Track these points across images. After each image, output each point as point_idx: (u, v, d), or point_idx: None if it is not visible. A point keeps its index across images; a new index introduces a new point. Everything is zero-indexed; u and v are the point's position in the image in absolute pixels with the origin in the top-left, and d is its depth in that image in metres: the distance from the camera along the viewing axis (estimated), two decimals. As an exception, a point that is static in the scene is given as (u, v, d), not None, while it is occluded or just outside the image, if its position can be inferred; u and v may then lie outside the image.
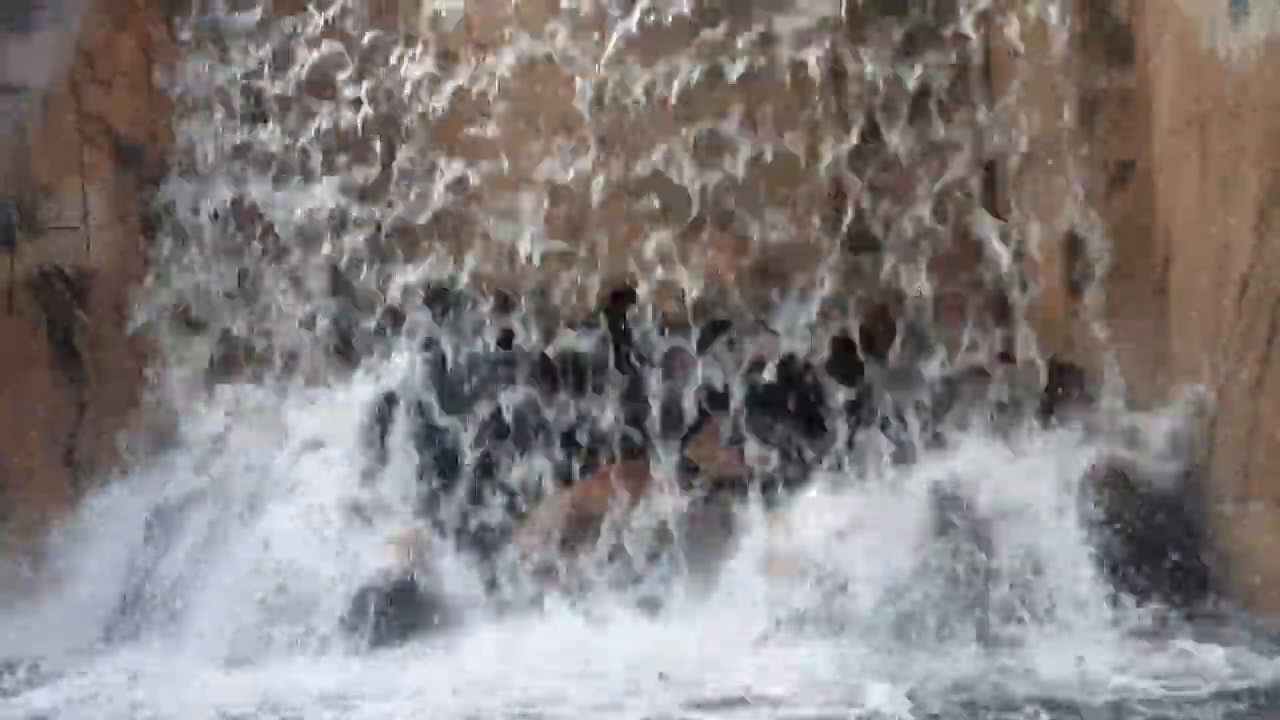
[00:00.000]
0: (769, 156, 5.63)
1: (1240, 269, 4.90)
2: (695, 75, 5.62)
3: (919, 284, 5.59)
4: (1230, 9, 4.90)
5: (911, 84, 5.58)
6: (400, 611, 5.35)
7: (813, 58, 5.55)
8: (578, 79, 5.71)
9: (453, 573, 5.58)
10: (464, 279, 5.95)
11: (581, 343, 5.84)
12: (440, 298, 6.02)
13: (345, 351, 6.15)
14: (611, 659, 4.95)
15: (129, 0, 6.38)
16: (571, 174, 5.75)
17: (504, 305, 5.95)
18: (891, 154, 5.59)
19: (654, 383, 5.76)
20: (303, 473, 5.77)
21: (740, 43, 5.60)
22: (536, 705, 4.53)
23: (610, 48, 5.66)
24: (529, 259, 5.82)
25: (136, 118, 6.39)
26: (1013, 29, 5.49)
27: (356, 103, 6.08)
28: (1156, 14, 5.22)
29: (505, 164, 5.85)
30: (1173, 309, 5.23)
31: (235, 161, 6.29)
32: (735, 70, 5.60)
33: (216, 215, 6.30)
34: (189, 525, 5.76)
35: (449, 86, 5.92)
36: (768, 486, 5.60)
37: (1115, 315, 5.41)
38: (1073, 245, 5.48)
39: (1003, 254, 5.55)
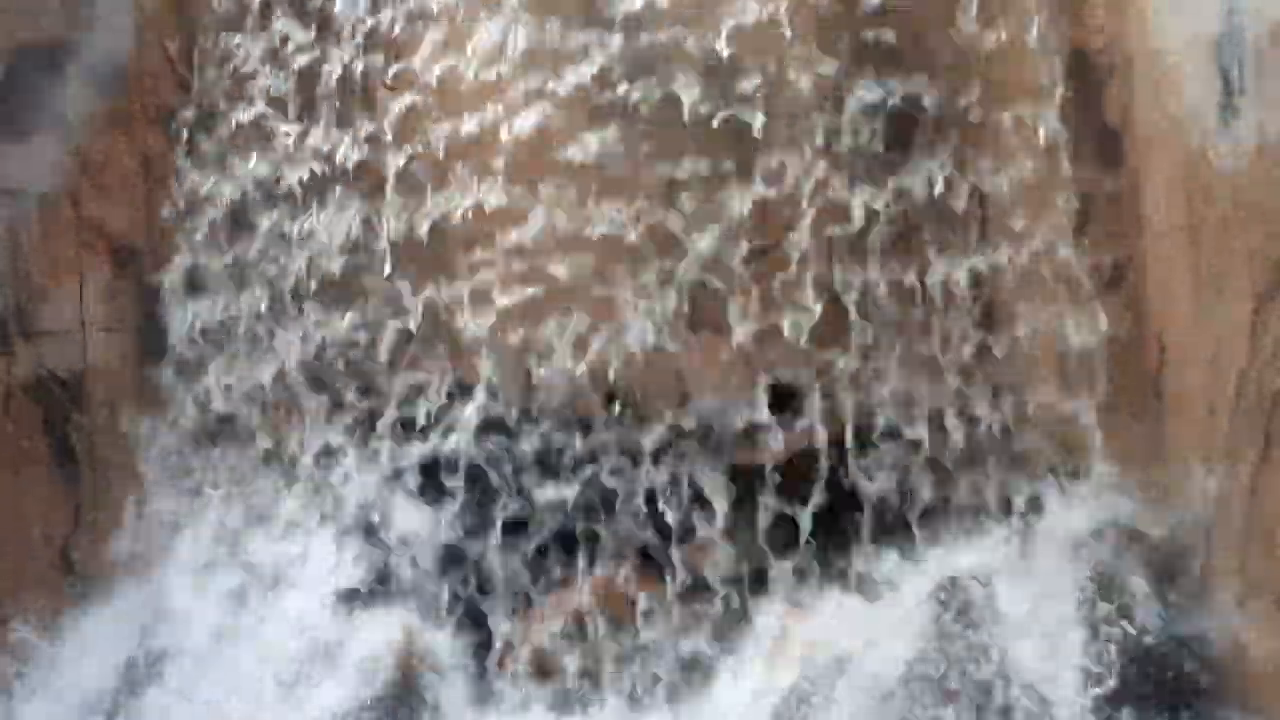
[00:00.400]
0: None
1: (1235, 371, 4.89)
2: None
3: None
4: (1220, 113, 4.92)
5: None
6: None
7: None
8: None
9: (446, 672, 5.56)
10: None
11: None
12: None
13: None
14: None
15: (127, 107, 6.42)
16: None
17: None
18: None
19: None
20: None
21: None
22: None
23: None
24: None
25: (134, 222, 6.42)
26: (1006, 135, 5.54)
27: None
28: (1146, 117, 5.24)
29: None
30: (1169, 411, 5.22)
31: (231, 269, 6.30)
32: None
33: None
34: (186, 629, 5.78)
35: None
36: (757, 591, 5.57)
37: (1111, 417, 5.38)
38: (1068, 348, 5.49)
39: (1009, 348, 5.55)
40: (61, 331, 6.35)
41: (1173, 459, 5.18)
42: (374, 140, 5.95)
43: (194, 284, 6.37)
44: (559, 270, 5.59)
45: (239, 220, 6.26)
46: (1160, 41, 5.14)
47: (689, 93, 5.46)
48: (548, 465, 5.71)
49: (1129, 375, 5.35)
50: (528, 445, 5.70)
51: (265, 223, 6.18)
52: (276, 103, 6.18)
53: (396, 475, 5.86)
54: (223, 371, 6.26)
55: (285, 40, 6.17)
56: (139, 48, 6.47)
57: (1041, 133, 5.42)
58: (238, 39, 6.30)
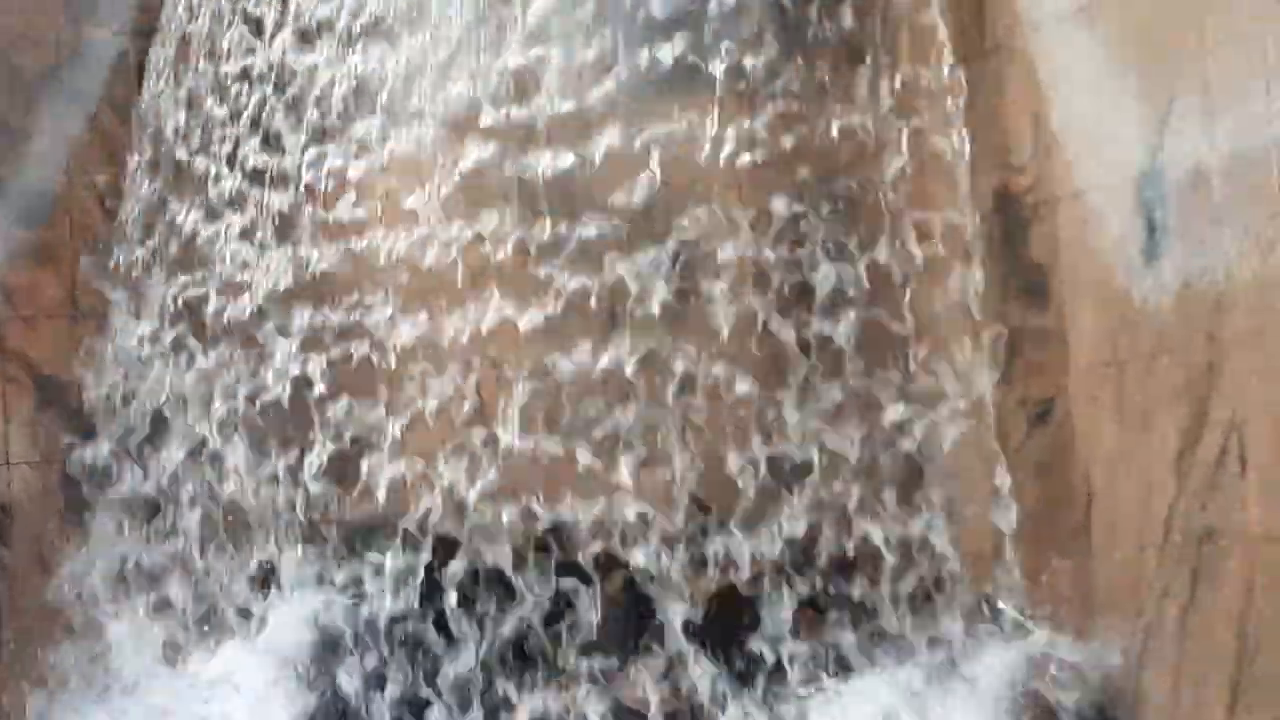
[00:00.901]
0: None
1: (1162, 509, 4.89)
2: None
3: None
4: (1143, 253, 4.97)
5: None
6: None
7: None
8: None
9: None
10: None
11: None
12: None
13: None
14: None
15: (51, 242, 6.43)
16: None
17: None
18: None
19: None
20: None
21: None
22: None
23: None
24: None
25: (59, 355, 6.39)
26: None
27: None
28: (1070, 256, 5.28)
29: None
30: (1096, 548, 5.21)
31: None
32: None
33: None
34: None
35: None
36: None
37: (1039, 553, 5.39)
38: (997, 487, 5.49)
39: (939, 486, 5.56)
40: (-15, 465, 6.31)
41: (1101, 597, 5.17)
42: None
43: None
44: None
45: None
46: (1084, 182, 5.20)
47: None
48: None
49: (1057, 511, 5.35)
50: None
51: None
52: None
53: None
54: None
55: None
56: (67, 182, 6.48)
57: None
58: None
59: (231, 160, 6.16)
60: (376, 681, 5.76)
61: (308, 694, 5.75)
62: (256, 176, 6.10)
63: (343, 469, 5.95)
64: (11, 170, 6.30)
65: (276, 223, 6.04)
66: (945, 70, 5.61)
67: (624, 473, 5.53)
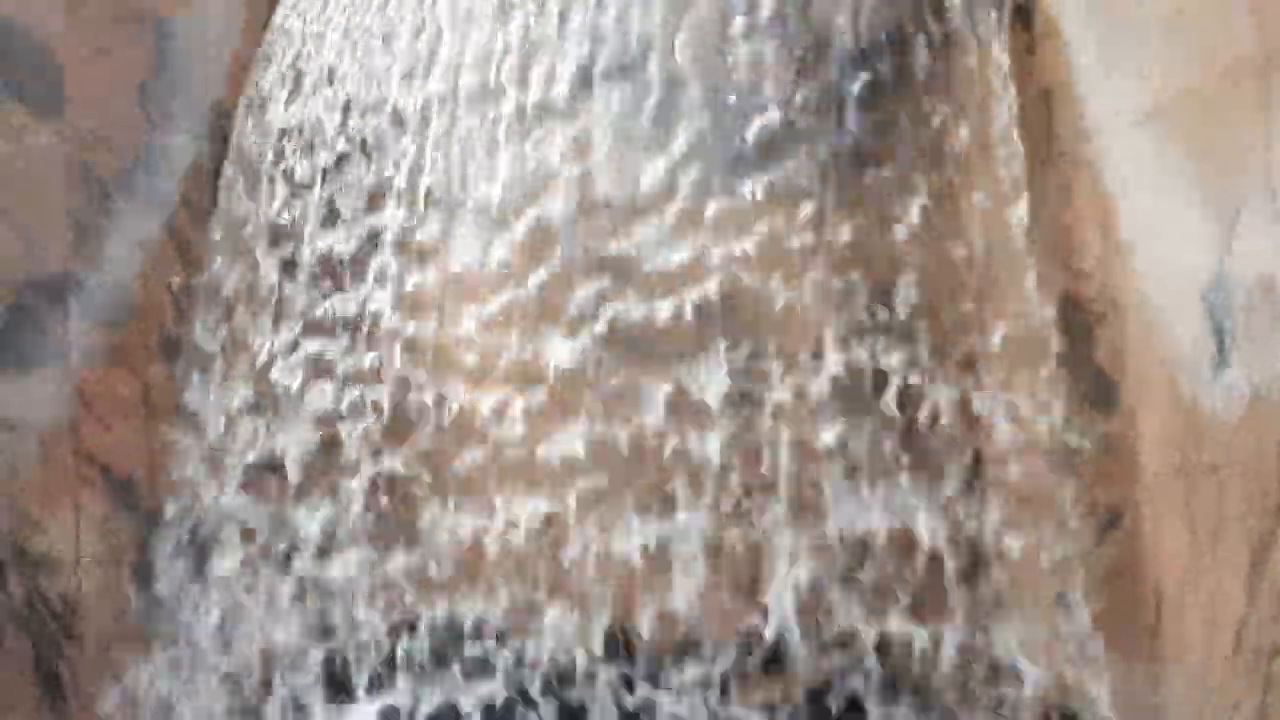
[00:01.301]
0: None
1: (1233, 621, 4.86)
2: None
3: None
4: (1211, 362, 4.96)
5: None
6: None
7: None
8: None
9: None
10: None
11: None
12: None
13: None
14: None
15: (125, 343, 6.49)
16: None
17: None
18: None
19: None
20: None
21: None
22: None
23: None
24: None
25: (133, 455, 6.44)
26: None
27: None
28: (1138, 363, 5.30)
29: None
30: (1166, 658, 5.19)
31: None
32: None
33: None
34: None
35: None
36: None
37: (1109, 661, 5.37)
38: (1066, 595, 5.47)
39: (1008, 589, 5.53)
40: (55, 563, 6.33)
41: (1172, 708, 5.14)
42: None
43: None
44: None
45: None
46: (1150, 289, 5.21)
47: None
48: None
49: (1127, 618, 5.33)
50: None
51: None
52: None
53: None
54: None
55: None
56: (144, 283, 6.55)
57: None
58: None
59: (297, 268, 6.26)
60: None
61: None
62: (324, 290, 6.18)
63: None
64: (88, 272, 6.38)
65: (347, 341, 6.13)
66: (1013, 177, 5.65)
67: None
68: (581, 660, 5.64)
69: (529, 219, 5.80)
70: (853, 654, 5.50)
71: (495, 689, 5.79)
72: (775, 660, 5.58)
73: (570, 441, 5.68)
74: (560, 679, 5.69)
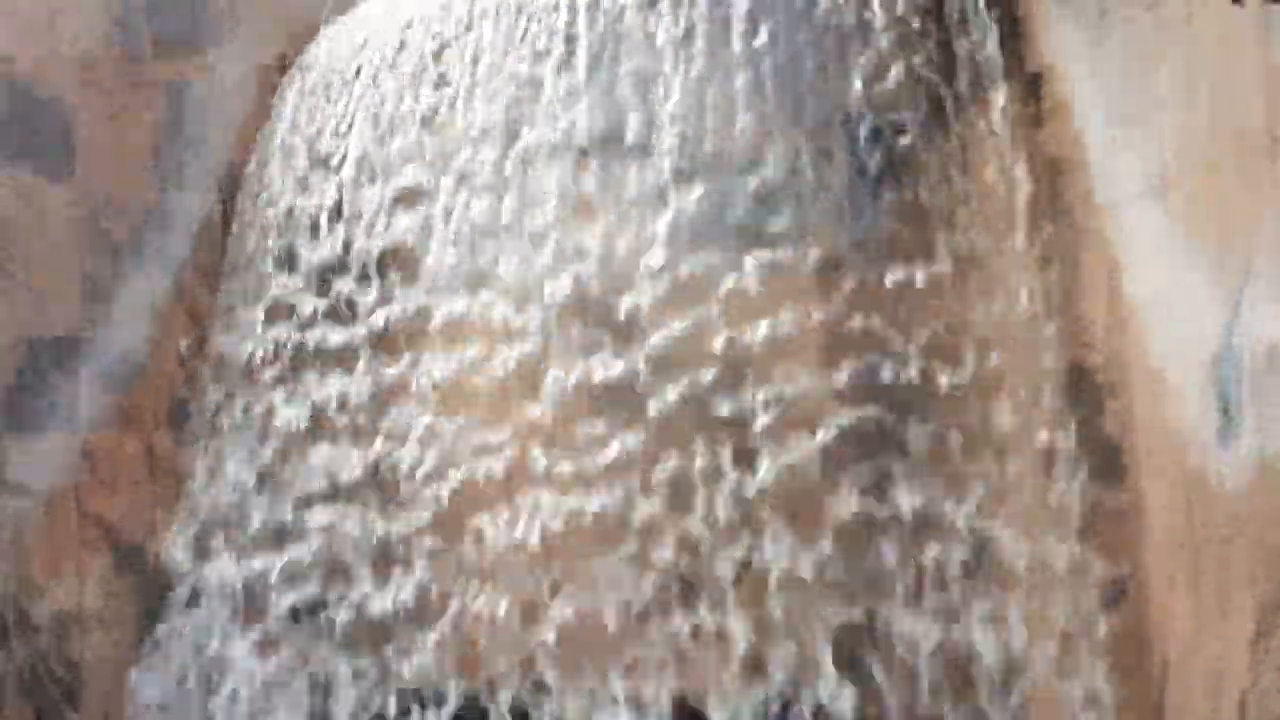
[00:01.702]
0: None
1: (1237, 691, 4.81)
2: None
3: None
4: (1218, 433, 4.95)
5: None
6: None
7: None
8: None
9: None
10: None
11: None
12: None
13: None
14: None
15: (133, 406, 6.51)
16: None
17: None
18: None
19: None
20: None
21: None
22: None
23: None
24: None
25: (137, 519, 6.45)
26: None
27: None
28: (1145, 433, 5.27)
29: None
30: (1172, 727, 5.19)
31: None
32: None
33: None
34: None
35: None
36: None
37: (1116, 733, 5.36)
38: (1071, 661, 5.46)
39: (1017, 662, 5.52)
40: (59, 625, 6.34)
41: (1177, 780, 5.14)
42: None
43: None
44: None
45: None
46: (1157, 359, 5.19)
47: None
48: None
49: (1134, 688, 5.29)
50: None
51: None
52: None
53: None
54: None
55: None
56: (153, 346, 6.57)
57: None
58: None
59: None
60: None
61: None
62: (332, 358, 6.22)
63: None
64: (99, 334, 6.40)
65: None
66: (1026, 249, 5.67)
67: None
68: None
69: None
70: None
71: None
72: None
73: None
74: None
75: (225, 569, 6.30)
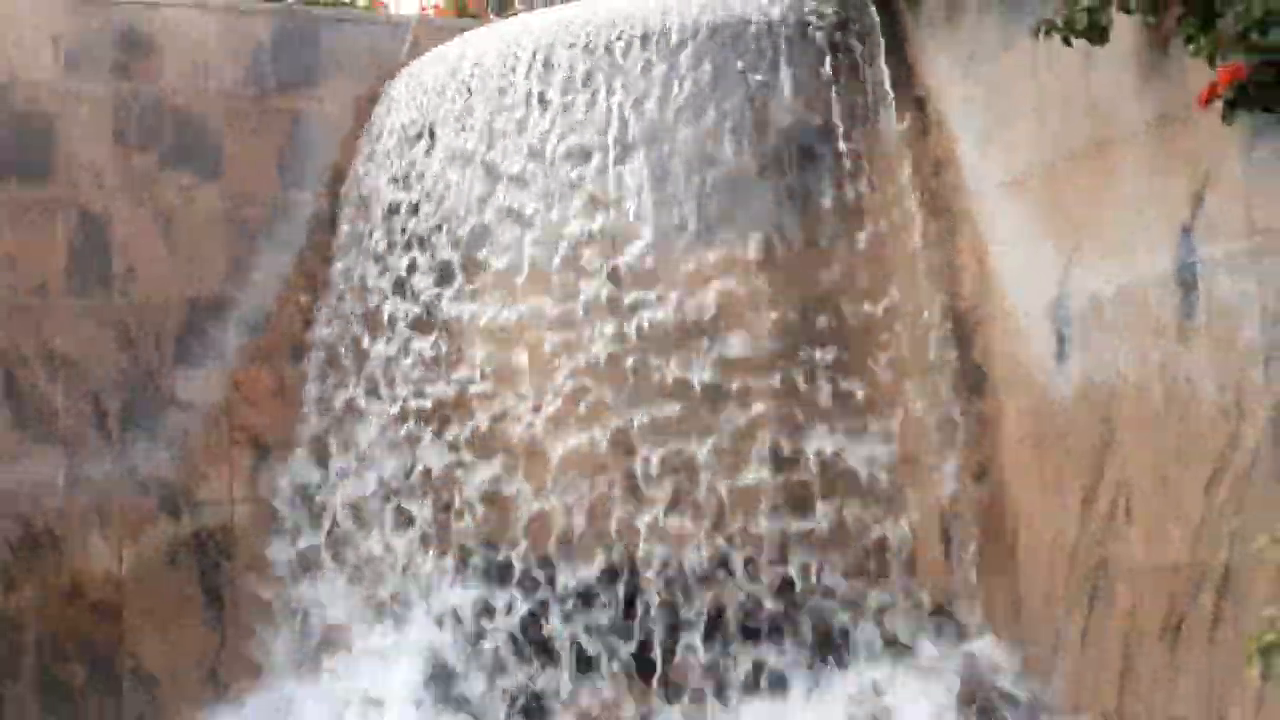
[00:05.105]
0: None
1: (1069, 544, 4.90)
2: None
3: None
4: (1055, 358, 5.00)
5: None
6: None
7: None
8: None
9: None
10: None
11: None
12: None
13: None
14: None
15: (267, 347, 6.53)
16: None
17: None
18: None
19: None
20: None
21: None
22: None
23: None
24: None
25: (272, 427, 6.48)
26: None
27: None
28: (1001, 358, 5.31)
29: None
30: (1021, 572, 5.20)
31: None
32: None
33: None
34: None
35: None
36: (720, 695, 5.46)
37: (981, 576, 5.37)
38: (948, 525, 5.51)
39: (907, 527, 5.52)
40: (216, 504, 6.37)
41: (1025, 608, 5.16)
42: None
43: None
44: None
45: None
46: (1012, 306, 5.23)
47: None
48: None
49: (992, 546, 5.34)
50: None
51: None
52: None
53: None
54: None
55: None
56: (279, 302, 6.60)
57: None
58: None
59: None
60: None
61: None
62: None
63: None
64: (241, 295, 6.42)
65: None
66: (916, 229, 5.68)
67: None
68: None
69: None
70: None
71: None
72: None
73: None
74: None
75: (339, 462, 6.36)
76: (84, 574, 6.11)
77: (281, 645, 6.24)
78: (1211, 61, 4.00)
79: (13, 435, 6.09)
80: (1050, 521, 5.00)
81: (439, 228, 6.13)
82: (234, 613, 6.29)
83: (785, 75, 5.76)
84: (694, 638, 5.53)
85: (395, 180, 6.33)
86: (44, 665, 6.00)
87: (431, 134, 6.23)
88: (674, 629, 5.56)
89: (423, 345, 6.12)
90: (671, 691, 5.54)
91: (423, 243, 6.20)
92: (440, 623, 5.80)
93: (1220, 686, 4.26)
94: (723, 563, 5.54)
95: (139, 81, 6.48)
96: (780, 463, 5.54)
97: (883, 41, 5.80)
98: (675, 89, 5.73)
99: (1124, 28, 4.51)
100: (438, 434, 6.04)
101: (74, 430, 6.18)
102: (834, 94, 5.78)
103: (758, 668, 5.42)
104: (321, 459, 6.43)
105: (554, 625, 5.63)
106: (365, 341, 6.33)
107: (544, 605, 5.70)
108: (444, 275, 6.11)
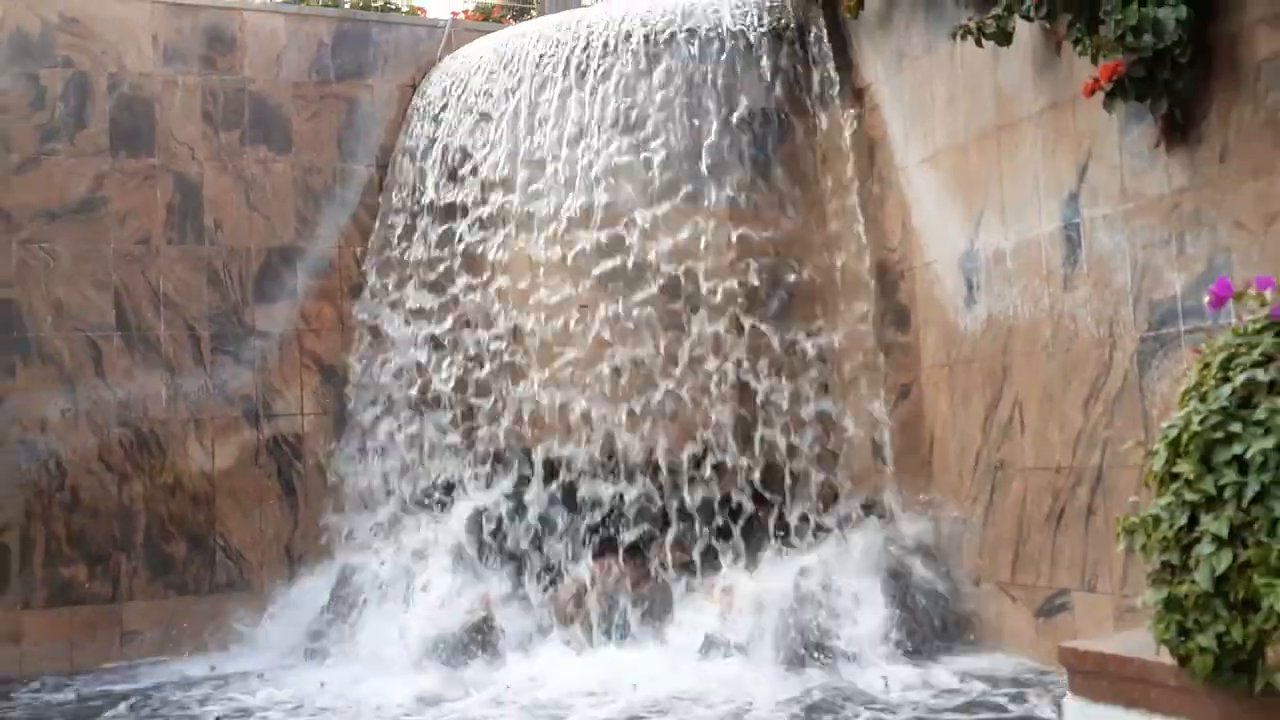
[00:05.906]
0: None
1: (973, 451, 4.95)
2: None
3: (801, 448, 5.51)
4: (964, 301, 5.02)
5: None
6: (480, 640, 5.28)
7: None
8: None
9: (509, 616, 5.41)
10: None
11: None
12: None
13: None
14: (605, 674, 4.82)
15: (329, 287, 6.50)
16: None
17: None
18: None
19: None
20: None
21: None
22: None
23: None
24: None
25: (333, 352, 6.45)
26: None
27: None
28: (922, 299, 5.33)
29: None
30: (936, 473, 5.25)
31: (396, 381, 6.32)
32: None
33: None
34: (357, 594, 5.76)
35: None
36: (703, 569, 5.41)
37: (901, 475, 5.41)
38: (877, 434, 5.53)
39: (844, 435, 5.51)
40: (289, 415, 6.36)
41: (937, 501, 5.21)
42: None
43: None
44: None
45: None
46: (930, 257, 5.24)
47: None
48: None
49: (912, 451, 5.39)
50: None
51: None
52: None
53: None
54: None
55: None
56: (338, 251, 6.56)
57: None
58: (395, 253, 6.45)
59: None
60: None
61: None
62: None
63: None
64: (308, 246, 6.37)
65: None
66: (853, 194, 5.67)
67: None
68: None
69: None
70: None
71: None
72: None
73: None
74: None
75: (384, 379, 6.33)
76: (184, 471, 6.12)
77: (344, 526, 6.25)
78: (1095, 60, 4.03)
79: (126, 359, 6.08)
80: (959, 431, 5.05)
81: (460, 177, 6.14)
82: (304, 501, 6.31)
83: (752, 71, 5.72)
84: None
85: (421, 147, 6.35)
86: (153, 543, 6.02)
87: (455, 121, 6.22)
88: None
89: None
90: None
91: (439, 186, 6.20)
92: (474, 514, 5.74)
93: (1093, 561, 4.34)
94: (696, 464, 5.52)
95: (223, 72, 6.40)
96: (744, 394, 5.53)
97: (831, 45, 5.77)
98: (659, 82, 5.69)
99: (1025, 32, 4.52)
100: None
101: (174, 354, 6.16)
102: (793, 86, 5.76)
103: (735, 549, 5.39)
104: (370, 374, 6.40)
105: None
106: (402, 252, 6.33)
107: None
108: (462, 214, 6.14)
